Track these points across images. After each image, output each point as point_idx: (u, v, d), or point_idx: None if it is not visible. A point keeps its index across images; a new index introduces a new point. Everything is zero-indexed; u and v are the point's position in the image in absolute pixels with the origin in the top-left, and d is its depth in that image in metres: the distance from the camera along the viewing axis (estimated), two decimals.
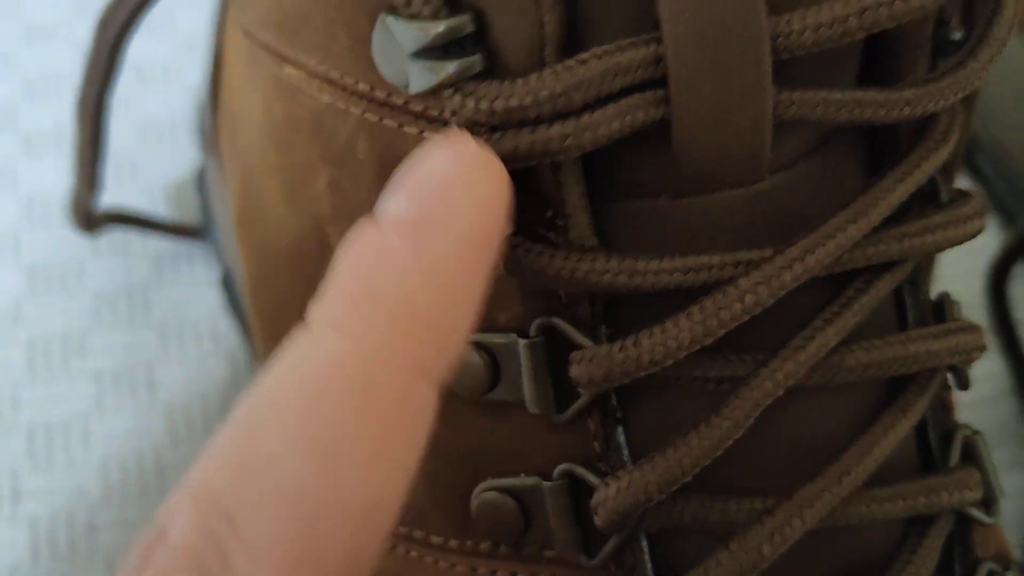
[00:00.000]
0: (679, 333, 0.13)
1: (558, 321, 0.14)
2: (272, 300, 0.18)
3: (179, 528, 0.12)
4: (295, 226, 0.17)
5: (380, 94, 0.14)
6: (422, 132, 0.14)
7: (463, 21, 0.13)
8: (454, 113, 0.13)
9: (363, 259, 0.13)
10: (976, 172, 0.31)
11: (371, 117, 0.15)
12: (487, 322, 0.15)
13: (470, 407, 0.15)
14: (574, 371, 0.14)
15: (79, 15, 0.34)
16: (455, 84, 0.13)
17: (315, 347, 0.12)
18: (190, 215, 0.29)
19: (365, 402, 0.12)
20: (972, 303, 0.29)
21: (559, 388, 0.14)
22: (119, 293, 0.28)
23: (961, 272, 0.29)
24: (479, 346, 0.15)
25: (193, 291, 0.28)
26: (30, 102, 0.32)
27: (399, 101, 0.14)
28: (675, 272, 0.13)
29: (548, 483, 0.14)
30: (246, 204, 0.19)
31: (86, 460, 0.25)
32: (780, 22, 0.13)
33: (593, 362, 0.14)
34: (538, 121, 0.13)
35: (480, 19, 0.13)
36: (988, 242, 0.30)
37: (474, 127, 0.13)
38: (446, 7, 0.13)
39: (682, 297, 0.14)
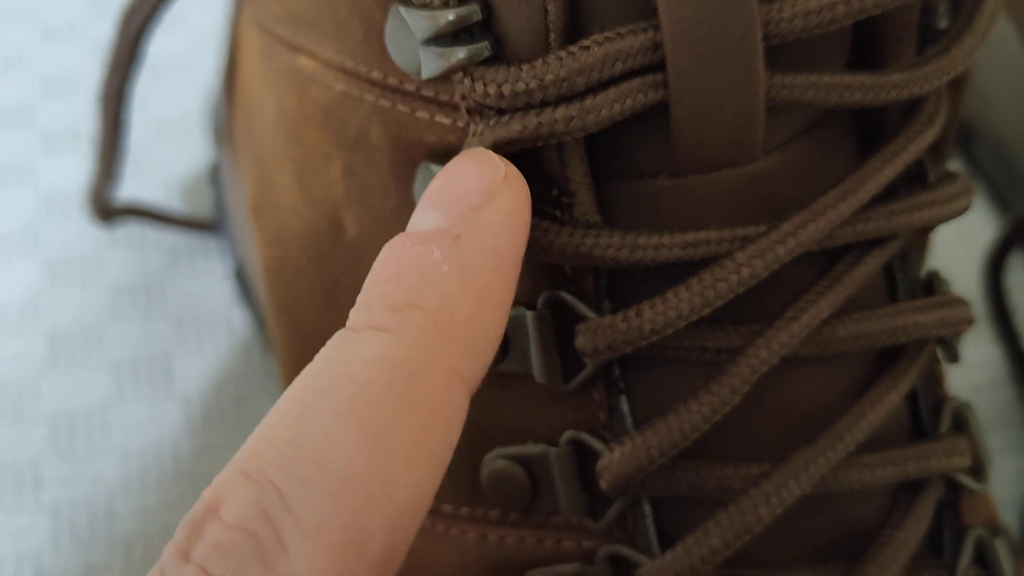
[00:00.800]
0: (679, 304, 0.14)
1: (564, 294, 0.15)
2: (288, 288, 0.19)
3: (234, 505, 0.12)
4: (309, 214, 0.18)
5: (393, 81, 0.15)
6: (433, 116, 0.15)
7: (471, 10, 0.14)
8: (464, 97, 0.14)
9: (404, 268, 0.13)
10: (974, 162, 0.32)
11: (384, 103, 0.15)
12: None
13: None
14: (580, 341, 0.15)
15: (95, 15, 0.34)
16: (464, 69, 0.14)
17: (361, 345, 0.13)
18: (204, 209, 0.30)
19: (410, 398, 0.12)
20: (969, 292, 0.29)
21: (566, 359, 0.15)
22: (136, 285, 0.29)
23: (958, 261, 0.30)
24: None
25: (208, 283, 0.29)
26: (48, 100, 0.33)
27: (411, 87, 0.15)
28: (674, 247, 0.14)
29: (555, 449, 0.15)
30: (261, 196, 0.19)
31: (106, 448, 0.26)
32: (771, 9, 0.13)
33: (598, 332, 0.14)
34: (544, 104, 0.14)
35: (488, 7, 0.14)
36: (985, 232, 0.31)
37: (483, 110, 0.14)
38: None
39: (681, 271, 0.14)
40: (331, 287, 0.17)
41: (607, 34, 0.13)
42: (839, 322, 0.15)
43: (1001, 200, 0.31)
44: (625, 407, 0.15)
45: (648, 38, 0.13)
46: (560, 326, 0.15)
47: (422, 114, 0.15)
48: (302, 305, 0.18)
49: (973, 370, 0.28)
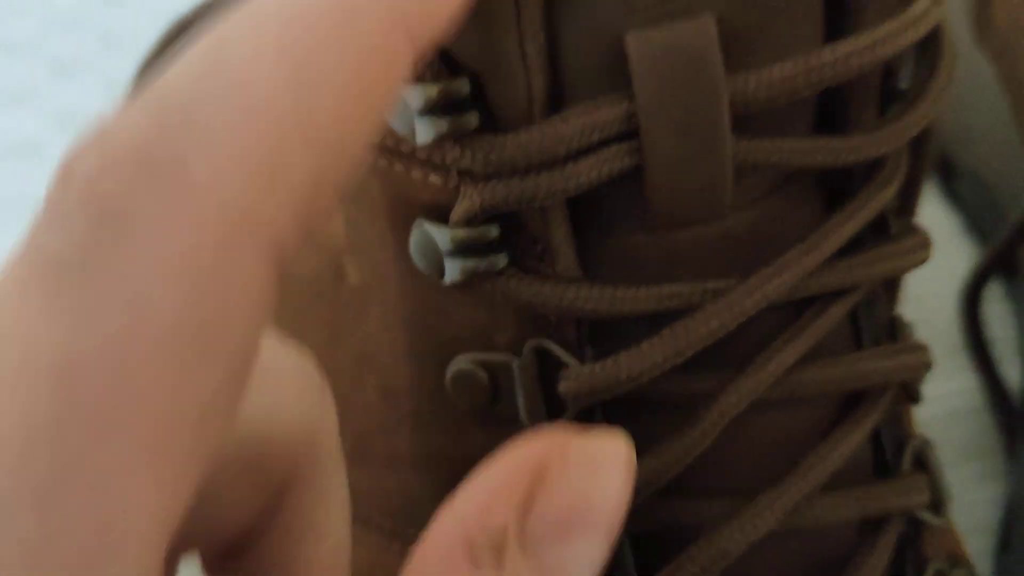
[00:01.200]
0: (652, 354, 0.15)
1: (548, 342, 0.16)
2: (292, 325, 0.20)
3: (128, 123, 0.10)
4: (315, 260, 0.19)
5: (390, 143, 0.16)
6: (427, 177, 0.16)
7: (461, 84, 0.15)
8: (454, 161, 0.15)
9: None
10: (955, 195, 0.33)
11: (383, 162, 0.16)
12: (487, 343, 0.16)
13: (471, 419, 0.17)
14: (562, 387, 0.15)
15: (106, 51, 0.35)
16: (454, 138, 0.15)
17: None
18: None
19: (346, 35, 0.11)
20: (948, 321, 0.30)
21: (551, 403, 0.16)
22: None
23: (938, 292, 0.31)
24: (480, 364, 0.16)
25: None
26: (58, 136, 0.34)
27: (407, 149, 0.16)
28: (649, 299, 0.15)
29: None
30: None
31: None
32: (737, 80, 0.14)
33: (579, 379, 0.15)
34: (527, 171, 0.15)
35: (476, 81, 0.15)
36: (965, 263, 0.31)
37: (472, 173, 0.15)
38: (446, 71, 0.15)
39: (657, 321, 0.15)
40: (332, 328, 0.18)
41: (585, 105, 0.14)
42: (805, 368, 0.16)
43: (980, 232, 0.31)
44: None
45: (624, 109, 0.14)
46: (545, 372, 0.16)
47: (416, 174, 0.16)
48: (304, 341, 0.19)
49: (950, 398, 0.29)
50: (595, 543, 0.12)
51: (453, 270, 0.16)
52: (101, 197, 0.10)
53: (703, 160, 0.15)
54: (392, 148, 0.16)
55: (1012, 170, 0.29)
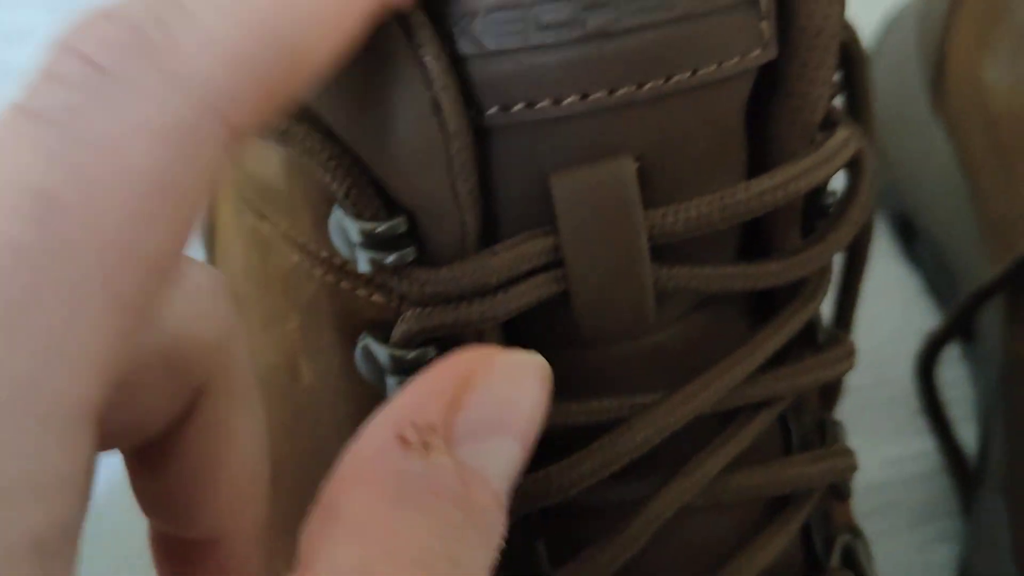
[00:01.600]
0: (581, 468, 0.16)
1: None
2: None
3: (126, 6, 0.12)
4: (272, 356, 0.19)
5: (337, 261, 0.17)
6: (371, 295, 0.17)
7: (398, 222, 0.16)
8: (393, 288, 0.16)
9: None
10: (915, 258, 0.33)
11: (331, 279, 0.17)
12: None
13: None
14: None
15: None
16: (392, 269, 0.16)
17: None
18: None
19: None
20: (908, 383, 0.30)
21: None
22: None
23: (898, 353, 0.31)
24: None
25: None
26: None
27: (352, 269, 0.17)
28: (579, 414, 0.16)
29: None
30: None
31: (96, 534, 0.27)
32: (656, 215, 0.15)
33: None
34: (460, 299, 0.16)
35: (412, 218, 0.16)
36: (924, 324, 0.32)
37: (409, 299, 0.16)
38: (384, 209, 0.16)
39: (588, 432, 0.16)
40: (289, 423, 0.19)
41: (515, 239, 0.15)
42: (732, 474, 0.17)
43: (938, 295, 0.32)
44: (542, 550, 0.17)
45: (549, 242, 0.15)
46: None
47: (362, 292, 0.17)
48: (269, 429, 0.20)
49: (908, 462, 0.29)
50: (513, 445, 0.13)
51: (392, 388, 0.16)
52: (95, 62, 0.11)
53: (624, 286, 0.15)
54: (339, 266, 0.17)
55: (965, 238, 0.30)
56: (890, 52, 0.36)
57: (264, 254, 0.19)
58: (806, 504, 0.17)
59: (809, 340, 0.18)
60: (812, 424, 0.18)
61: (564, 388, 0.16)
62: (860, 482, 0.28)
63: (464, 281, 0.15)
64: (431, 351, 0.16)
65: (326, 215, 0.16)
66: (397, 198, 0.16)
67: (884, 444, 0.30)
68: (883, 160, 0.35)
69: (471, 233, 0.15)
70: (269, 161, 0.18)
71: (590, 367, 0.16)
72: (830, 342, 0.18)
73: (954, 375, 0.31)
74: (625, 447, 0.16)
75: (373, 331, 0.17)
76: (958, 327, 0.27)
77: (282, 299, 0.19)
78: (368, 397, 0.17)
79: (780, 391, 0.17)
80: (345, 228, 0.16)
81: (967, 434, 0.30)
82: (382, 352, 0.16)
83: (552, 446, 0.16)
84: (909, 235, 0.33)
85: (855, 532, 0.19)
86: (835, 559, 0.18)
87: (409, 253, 0.16)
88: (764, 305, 0.17)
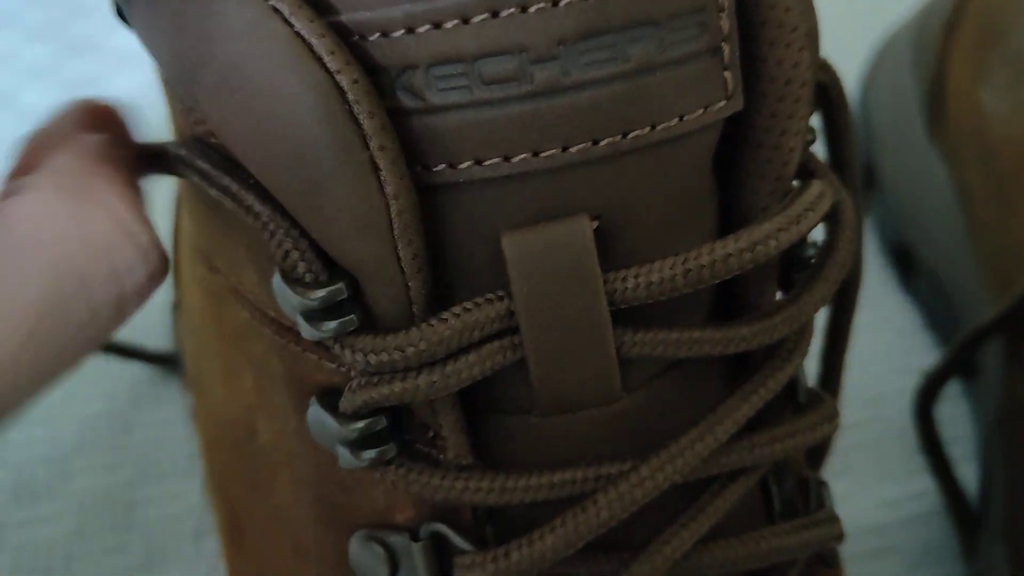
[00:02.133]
0: (543, 546, 0.15)
1: (444, 528, 0.16)
2: (218, 464, 0.20)
3: None
4: (232, 410, 0.19)
5: (286, 322, 0.16)
6: (320, 359, 0.16)
7: (338, 288, 0.15)
8: (338, 357, 0.15)
9: None
10: (915, 292, 0.33)
11: (280, 340, 0.16)
12: (386, 520, 0.16)
13: None
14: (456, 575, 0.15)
15: None
16: (336, 338, 0.15)
17: None
18: (167, 343, 0.31)
19: None
20: (908, 420, 0.30)
21: None
22: (101, 418, 0.30)
23: (899, 389, 0.31)
24: (379, 542, 0.16)
25: (172, 417, 0.30)
26: None
27: (299, 331, 0.16)
28: (541, 488, 0.15)
29: None
30: (195, 372, 0.20)
31: None
32: (616, 279, 0.14)
33: (471, 569, 0.15)
34: (408, 370, 0.15)
35: (355, 283, 0.15)
36: (925, 360, 0.31)
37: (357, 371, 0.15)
38: (326, 273, 0.15)
39: (551, 507, 0.15)
40: (250, 476, 0.18)
41: (466, 305, 0.14)
42: (707, 548, 0.16)
43: (937, 327, 0.31)
44: None
45: (503, 307, 0.14)
46: (444, 552, 0.16)
47: (311, 355, 0.16)
48: (230, 481, 0.19)
49: (909, 502, 0.29)
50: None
51: (344, 457, 0.16)
52: None
53: (585, 354, 0.15)
54: (287, 327, 0.16)
55: (963, 269, 0.29)
56: (884, 77, 0.35)
57: (218, 305, 0.18)
58: (790, 573, 0.16)
59: (789, 400, 0.17)
60: (795, 486, 0.17)
61: (524, 459, 0.15)
62: (856, 524, 0.28)
63: (411, 351, 0.14)
64: (381, 420, 0.15)
65: (271, 273, 0.16)
66: (338, 261, 0.15)
67: (881, 484, 0.29)
68: (880, 189, 0.34)
69: (418, 299, 0.15)
70: (216, 211, 0.17)
71: (551, 436, 0.15)
72: (812, 403, 0.17)
73: (954, 412, 0.30)
74: (590, 524, 0.15)
75: (322, 398, 0.16)
76: (957, 365, 0.26)
77: (237, 353, 0.18)
78: (326, 463, 0.17)
79: (758, 458, 0.16)
80: (285, 297, 0.15)
81: (968, 473, 0.29)
82: (331, 422, 0.16)
83: (512, 522, 0.16)
84: (907, 266, 0.33)
85: None
86: None
87: (352, 321, 0.15)
88: (740, 365, 0.16)
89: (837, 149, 0.17)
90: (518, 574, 0.15)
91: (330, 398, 0.16)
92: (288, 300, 0.15)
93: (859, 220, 0.17)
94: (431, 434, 0.16)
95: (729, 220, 0.16)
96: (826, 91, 0.17)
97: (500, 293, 0.15)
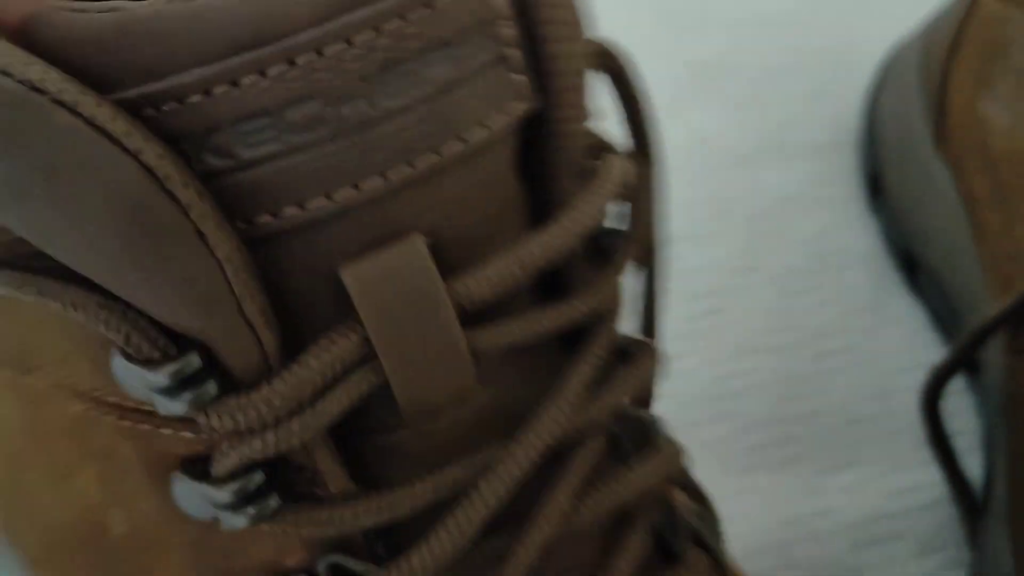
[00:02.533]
0: (440, 544, 0.15)
1: (339, 557, 0.16)
2: (66, 567, 0.19)
3: None
4: (64, 511, 0.18)
5: (130, 404, 0.16)
6: (177, 432, 0.16)
7: (190, 360, 0.15)
8: (203, 426, 0.15)
9: None
10: (919, 290, 0.34)
11: (126, 423, 0.16)
12: (278, 570, 0.16)
13: None
14: None
15: None
16: (197, 407, 0.15)
17: None
18: None
19: None
20: (915, 414, 0.31)
21: None
22: None
23: (904, 385, 0.32)
24: None
25: None
26: None
27: (151, 408, 0.16)
28: (426, 493, 0.16)
29: None
30: (7, 493, 0.19)
31: None
32: (459, 284, 0.15)
33: None
34: (278, 421, 0.15)
35: (207, 350, 0.15)
36: (930, 355, 0.33)
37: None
38: (173, 347, 0.14)
39: (439, 508, 0.16)
40: (107, 571, 0.18)
41: (321, 343, 0.15)
42: (581, 503, 0.16)
43: (942, 325, 0.33)
44: None
45: (357, 338, 0.15)
46: None
47: (166, 431, 0.16)
48: None
49: (916, 492, 0.30)
50: None
51: (227, 520, 0.16)
52: None
53: (442, 363, 0.15)
54: (134, 408, 0.16)
55: (967, 272, 0.30)
56: (890, 90, 0.37)
57: (37, 407, 0.17)
58: (650, 506, 0.17)
59: (619, 356, 0.18)
60: (636, 426, 0.18)
61: (403, 474, 0.16)
62: (868, 511, 0.29)
63: (278, 401, 0.15)
64: (257, 475, 0.15)
65: (106, 360, 0.15)
66: (185, 333, 0.14)
67: (891, 474, 0.30)
68: (886, 196, 0.36)
69: (272, 351, 0.15)
70: (21, 314, 0.16)
71: (425, 445, 0.16)
72: (637, 349, 0.18)
73: (959, 405, 0.32)
74: (478, 511, 0.15)
75: (188, 469, 0.16)
76: (962, 361, 0.28)
77: (68, 452, 0.17)
78: (199, 535, 0.17)
79: (606, 410, 0.17)
80: (133, 377, 0.15)
81: (973, 463, 0.30)
82: (204, 491, 0.15)
83: (403, 533, 0.16)
84: (912, 269, 0.34)
85: (700, 513, 0.19)
86: (686, 545, 0.18)
87: (210, 388, 0.15)
88: (571, 336, 0.17)
89: (633, 124, 0.18)
90: (423, 573, 0.15)
91: (196, 467, 0.16)
92: (138, 381, 0.15)
93: (653, 186, 0.18)
94: (309, 472, 0.16)
95: (542, 209, 0.16)
96: (613, 73, 0.17)
97: (352, 324, 0.15)
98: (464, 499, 0.16)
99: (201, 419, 0.15)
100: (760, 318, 0.34)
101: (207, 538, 0.17)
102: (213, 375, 0.15)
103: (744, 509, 0.29)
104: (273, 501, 0.16)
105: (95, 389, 0.16)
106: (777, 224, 0.37)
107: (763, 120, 0.40)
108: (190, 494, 0.16)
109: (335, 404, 0.15)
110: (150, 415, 0.16)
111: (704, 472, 0.30)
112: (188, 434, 0.16)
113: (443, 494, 0.16)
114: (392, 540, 0.16)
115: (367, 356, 0.15)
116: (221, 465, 0.15)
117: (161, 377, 0.15)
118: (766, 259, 0.36)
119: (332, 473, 0.16)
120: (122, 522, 0.17)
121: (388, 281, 0.15)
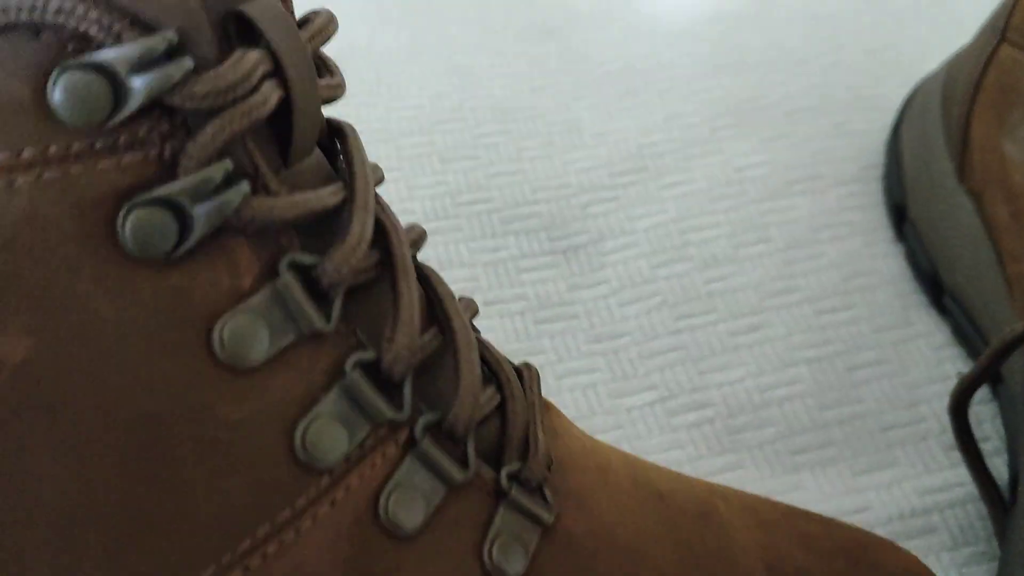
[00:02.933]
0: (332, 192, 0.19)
1: (293, 255, 0.18)
2: None
3: None
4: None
5: (56, 151, 0.16)
6: (120, 160, 0.16)
7: (166, 36, 0.16)
8: (154, 127, 0.16)
9: None
10: (944, 311, 0.36)
11: (51, 175, 0.16)
12: (237, 297, 0.18)
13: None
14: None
15: None
16: (171, 87, 0.16)
17: None
18: None
19: None
20: (943, 422, 0.33)
21: (317, 295, 0.19)
22: None
23: (932, 395, 0.34)
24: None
25: None
26: None
27: (82, 147, 0.16)
28: (331, 196, 0.19)
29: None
30: None
31: None
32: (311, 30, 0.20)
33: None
34: (223, 108, 0.17)
35: (177, 43, 0.16)
36: (955, 369, 0.35)
37: (177, 132, 0.17)
38: (135, 30, 0.16)
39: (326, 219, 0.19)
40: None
41: (239, 52, 0.17)
42: None
43: (966, 341, 0.35)
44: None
45: (265, 50, 0.17)
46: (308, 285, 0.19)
47: (105, 164, 0.16)
48: None
49: (947, 491, 0.32)
50: None
51: (202, 222, 0.17)
52: None
53: (315, 93, 0.19)
54: (60, 156, 0.16)
55: (991, 293, 0.32)
56: (913, 124, 0.38)
57: None
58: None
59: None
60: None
61: (305, 183, 0.19)
62: (903, 508, 0.31)
63: (223, 84, 0.17)
64: (226, 162, 0.17)
65: (27, 99, 0.15)
66: (149, 21, 0.16)
67: (924, 475, 0.32)
68: (912, 223, 0.37)
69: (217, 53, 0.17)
70: None
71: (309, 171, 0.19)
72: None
73: (985, 412, 0.33)
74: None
75: (135, 197, 0.16)
76: (988, 372, 0.30)
77: None
78: (150, 279, 0.17)
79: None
80: (108, 65, 0.15)
81: (999, 465, 0.32)
82: (177, 186, 0.16)
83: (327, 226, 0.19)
84: (937, 289, 0.36)
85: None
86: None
87: (185, 63, 0.16)
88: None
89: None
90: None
91: (145, 193, 0.16)
92: (114, 67, 0.16)
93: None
94: (257, 180, 0.18)
95: None
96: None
97: (262, 45, 0.17)
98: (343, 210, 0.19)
99: (175, 102, 0.16)
100: (799, 334, 0.36)
101: (155, 280, 0.17)
102: (183, 56, 0.16)
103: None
104: (245, 187, 0.17)
105: (3, 150, 0.15)
106: (812, 249, 0.39)
107: (795, 154, 0.42)
108: (151, 222, 0.16)
109: (261, 100, 0.17)
110: (83, 155, 0.16)
111: (754, 473, 0.32)
112: (133, 157, 0.16)
113: (333, 201, 0.19)
114: (314, 231, 0.19)
115: (274, 71, 0.18)
116: (200, 148, 0.17)
117: (134, 52, 0.16)
118: (802, 281, 0.38)
119: (269, 178, 0.18)
120: (21, 344, 0.16)
121: (274, 13, 0.17)
